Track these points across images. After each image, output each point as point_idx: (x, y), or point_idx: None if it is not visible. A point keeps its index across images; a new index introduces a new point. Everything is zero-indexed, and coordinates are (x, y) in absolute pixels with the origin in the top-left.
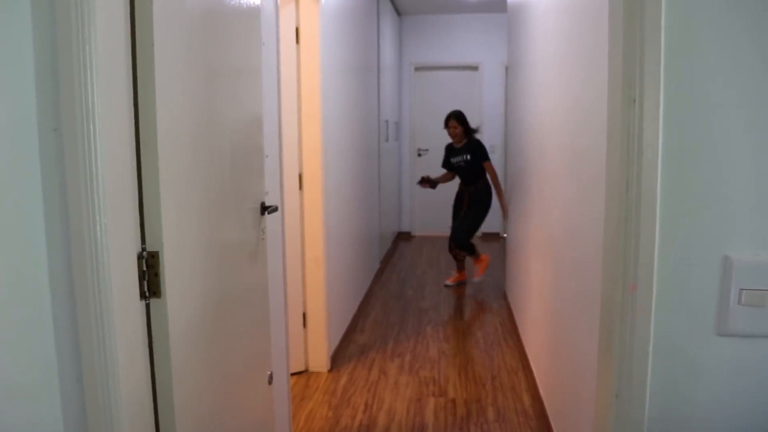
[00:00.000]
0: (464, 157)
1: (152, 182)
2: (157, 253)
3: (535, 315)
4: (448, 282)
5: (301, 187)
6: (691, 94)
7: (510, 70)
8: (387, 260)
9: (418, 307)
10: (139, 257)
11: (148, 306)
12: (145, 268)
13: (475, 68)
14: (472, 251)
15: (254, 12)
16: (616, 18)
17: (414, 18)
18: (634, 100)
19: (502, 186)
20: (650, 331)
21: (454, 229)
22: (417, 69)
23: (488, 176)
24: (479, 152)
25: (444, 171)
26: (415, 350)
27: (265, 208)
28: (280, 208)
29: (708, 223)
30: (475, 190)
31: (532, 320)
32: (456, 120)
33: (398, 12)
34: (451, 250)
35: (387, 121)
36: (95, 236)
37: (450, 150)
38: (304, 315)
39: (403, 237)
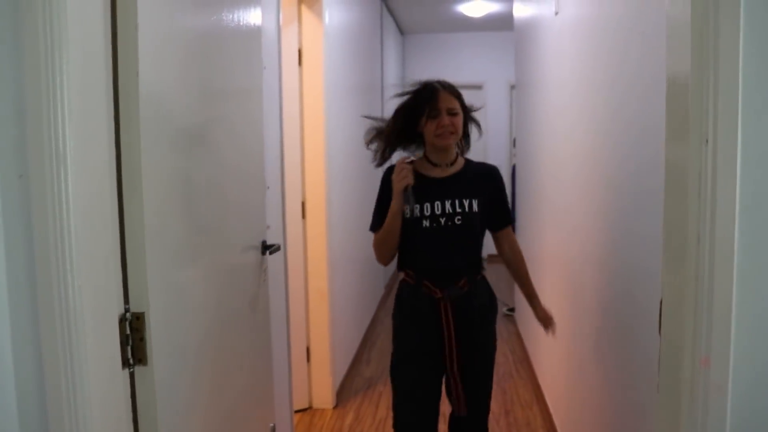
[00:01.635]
0: (460, 203)
1: (137, 233)
2: (142, 314)
3: (550, 346)
4: None
5: (304, 215)
6: None
7: (517, 90)
8: (392, 285)
9: None
10: (122, 320)
11: (132, 375)
12: (128, 332)
13: (479, 87)
14: None
15: (255, 34)
16: (680, 41)
17: (417, 37)
18: (707, 141)
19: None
20: (727, 414)
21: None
22: None
23: (507, 256)
24: (494, 193)
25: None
26: None
27: (266, 248)
28: (282, 246)
29: None
30: (468, 299)
31: (545, 351)
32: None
33: (401, 31)
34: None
35: None
36: (67, 301)
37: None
38: (307, 349)
39: None
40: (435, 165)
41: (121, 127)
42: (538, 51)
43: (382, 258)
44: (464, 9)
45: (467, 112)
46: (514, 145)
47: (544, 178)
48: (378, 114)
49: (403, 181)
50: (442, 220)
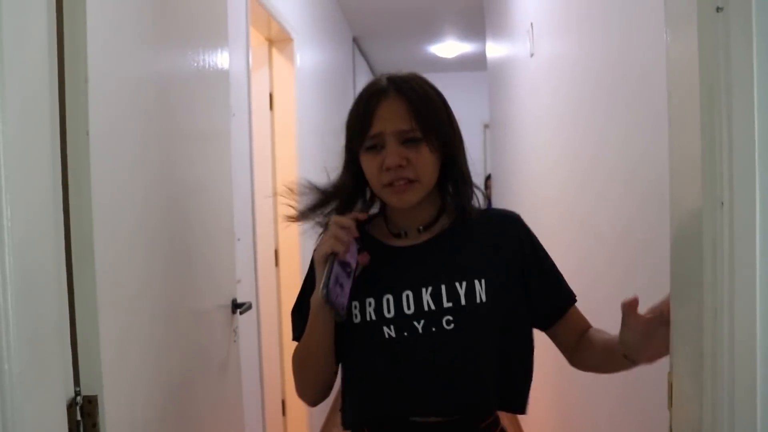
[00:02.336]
0: (449, 290)
1: (88, 305)
2: (95, 397)
3: (535, 388)
4: None
5: (277, 263)
6: None
7: (492, 129)
8: None
9: None
10: (71, 405)
11: None
12: (79, 418)
13: None
14: None
15: (222, 77)
16: (684, 92)
17: None
18: (722, 203)
19: None
20: None
21: None
22: None
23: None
24: (526, 261)
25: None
26: None
27: (237, 306)
28: (254, 302)
29: None
30: None
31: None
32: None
33: (374, 72)
34: None
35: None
36: (2, 392)
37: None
38: (283, 402)
39: None
40: (396, 234)
41: (70, 192)
42: (513, 90)
43: (303, 393)
44: (436, 50)
45: (441, 138)
46: (486, 185)
47: (525, 211)
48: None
49: (323, 245)
50: (419, 325)
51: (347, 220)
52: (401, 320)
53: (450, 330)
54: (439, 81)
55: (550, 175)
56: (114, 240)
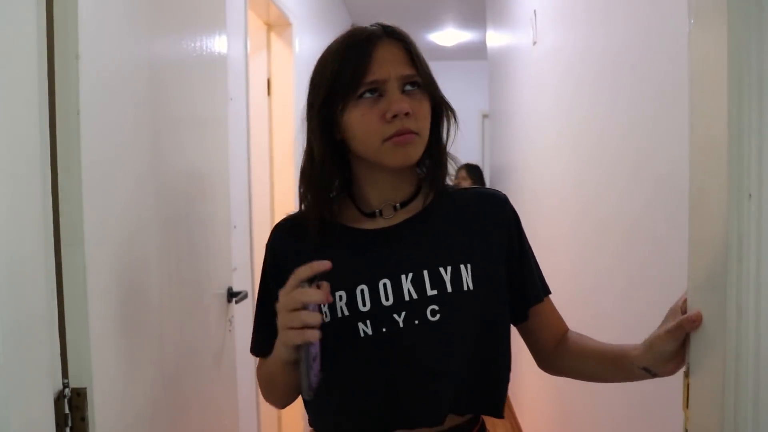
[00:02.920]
0: (433, 277)
1: (78, 294)
2: (84, 390)
3: (534, 386)
4: None
5: None
6: None
7: (492, 119)
8: None
9: None
10: (59, 398)
11: None
12: (67, 411)
13: None
14: None
15: (220, 62)
16: (709, 80)
17: None
18: (750, 195)
19: None
20: None
21: None
22: None
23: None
24: (509, 245)
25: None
26: None
27: (232, 295)
28: (250, 292)
29: None
30: None
31: (529, 391)
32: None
33: None
34: None
35: None
36: None
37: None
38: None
39: None
40: (367, 214)
41: (59, 172)
42: (514, 80)
43: (271, 402)
44: (435, 38)
45: (435, 91)
46: (457, 176)
47: (524, 209)
48: None
49: (293, 333)
50: (399, 318)
51: (315, 293)
52: (379, 314)
53: (435, 321)
54: (438, 69)
55: (553, 166)
56: (105, 226)
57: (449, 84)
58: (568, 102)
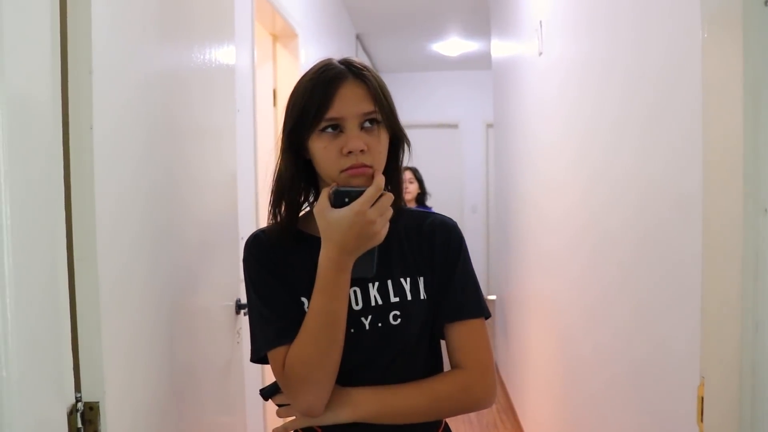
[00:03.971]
0: (396, 286)
1: (90, 307)
2: (96, 404)
3: (538, 396)
4: None
5: None
6: None
7: (497, 129)
8: None
9: None
10: (72, 412)
11: None
12: (80, 425)
13: (455, 126)
14: None
15: (227, 73)
16: (723, 93)
17: (392, 75)
18: (766, 210)
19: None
20: None
21: None
22: None
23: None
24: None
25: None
26: None
27: (241, 307)
28: None
29: None
30: None
31: (533, 401)
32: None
33: (376, 70)
34: None
35: None
36: None
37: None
38: None
39: None
40: None
41: (72, 189)
42: (519, 90)
43: (311, 398)
44: (439, 48)
45: (395, 125)
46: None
47: (529, 219)
48: None
49: (383, 230)
50: (366, 321)
51: (389, 195)
52: (349, 316)
53: (396, 325)
54: (443, 80)
55: (559, 176)
56: (117, 239)
57: (453, 94)
58: (575, 112)
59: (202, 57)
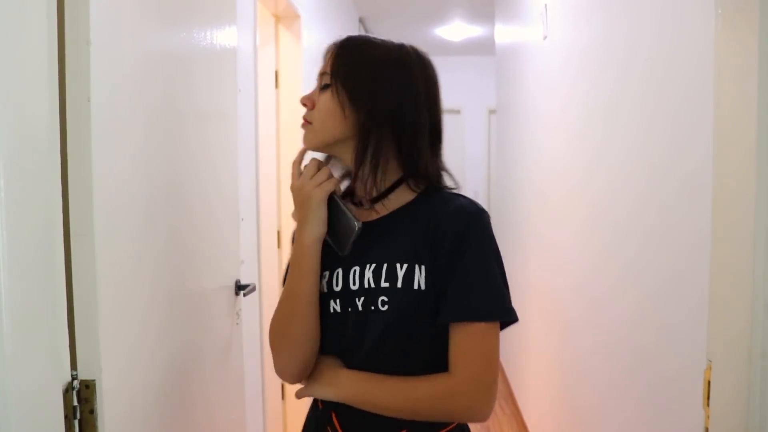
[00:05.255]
0: (388, 271)
1: (87, 283)
2: (93, 382)
3: (538, 382)
4: None
5: (279, 245)
6: None
7: (499, 115)
8: None
9: None
10: (68, 390)
11: None
12: (76, 403)
13: (457, 112)
14: None
15: (229, 54)
16: (736, 78)
17: None
18: None
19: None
20: None
21: None
22: None
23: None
24: (453, 259)
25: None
26: None
27: (240, 288)
28: (257, 285)
29: None
30: None
31: (532, 388)
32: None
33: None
34: None
35: None
36: None
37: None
38: (282, 387)
39: None
40: (357, 203)
41: (69, 161)
42: (523, 75)
43: (284, 363)
44: (442, 32)
45: (355, 95)
46: None
47: (530, 205)
48: None
49: (324, 184)
50: (359, 302)
51: (318, 160)
52: (346, 295)
53: (384, 311)
54: (445, 65)
55: (562, 162)
56: (115, 216)
57: (456, 79)
58: (580, 97)
59: (203, 36)
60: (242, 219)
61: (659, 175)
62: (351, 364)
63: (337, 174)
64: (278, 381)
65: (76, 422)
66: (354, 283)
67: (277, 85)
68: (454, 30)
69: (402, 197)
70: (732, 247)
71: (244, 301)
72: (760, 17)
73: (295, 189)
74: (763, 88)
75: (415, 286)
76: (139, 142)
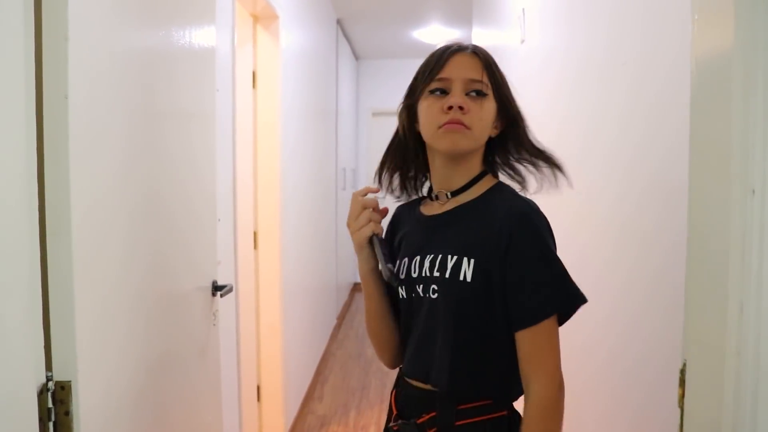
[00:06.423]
0: (440, 261)
1: (63, 283)
2: (68, 383)
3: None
4: None
5: (256, 246)
6: None
7: None
8: (344, 314)
9: (379, 369)
10: (42, 391)
11: None
12: (51, 405)
13: None
14: None
15: (208, 54)
16: (711, 74)
17: (373, 62)
18: (753, 191)
19: None
20: None
21: None
22: (374, 114)
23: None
24: (507, 259)
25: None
26: (380, 422)
27: (217, 289)
28: (234, 285)
29: None
30: None
31: None
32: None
33: (356, 56)
34: None
35: (344, 169)
36: None
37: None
38: (258, 388)
39: (359, 287)
40: (434, 198)
41: (45, 160)
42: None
43: (381, 356)
44: (420, 35)
45: (509, 104)
46: None
47: None
48: (332, 137)
49: (363, 229)
50: (419, 289)
51: (370, 200)
52: (410, 283)
53: (434, 299)
54: None
55: None
56: (92, 215)
57: None
58: (558, 100)
59: (182, 36)
60: (219, 219)
61: (635, 177)
62: (416, 347)
63: (378, 217)
64: (254, 383)
65: (51, 424)
66: (415, 272)
67: (254, 86)
68: (432, 32)
69: (472, 192)
70: (708, 247)
71: (221, 302)
72: (736, 22)
73: (349, 227)
74: (737, 90)
75: (461, 278)
76: (118, 140)
